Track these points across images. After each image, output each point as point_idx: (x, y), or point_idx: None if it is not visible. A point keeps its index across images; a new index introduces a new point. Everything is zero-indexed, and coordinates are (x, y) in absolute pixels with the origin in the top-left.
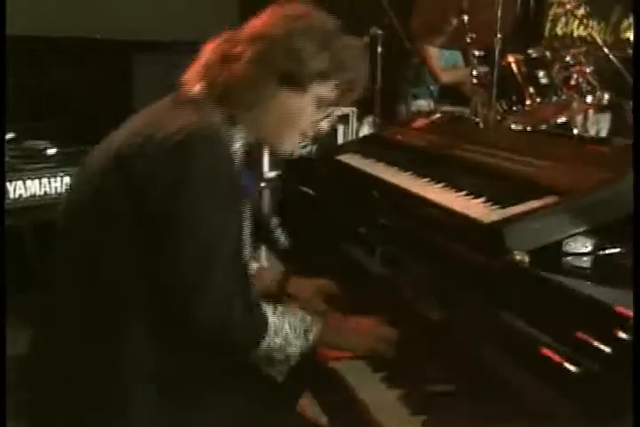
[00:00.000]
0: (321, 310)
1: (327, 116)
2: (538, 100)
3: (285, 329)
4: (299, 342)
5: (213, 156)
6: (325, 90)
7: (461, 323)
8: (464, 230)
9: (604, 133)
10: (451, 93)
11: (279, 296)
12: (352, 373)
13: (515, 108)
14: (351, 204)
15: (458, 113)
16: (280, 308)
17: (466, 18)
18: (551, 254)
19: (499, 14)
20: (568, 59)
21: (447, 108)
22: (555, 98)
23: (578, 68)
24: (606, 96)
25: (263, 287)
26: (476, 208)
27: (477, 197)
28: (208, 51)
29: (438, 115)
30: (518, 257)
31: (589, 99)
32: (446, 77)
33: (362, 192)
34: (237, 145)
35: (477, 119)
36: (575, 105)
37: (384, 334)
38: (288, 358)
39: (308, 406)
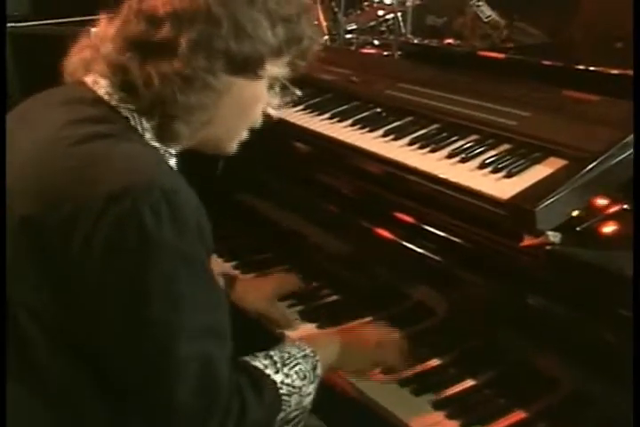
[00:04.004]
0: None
1: (284, 97)
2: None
3: (296, 383)
4: (312, 388)
5: (182, 224)
6: (279, 68)
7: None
8: (467, 208)
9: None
10: None
11: None
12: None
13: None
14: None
15: None
16: (277, 355)
17: None
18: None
19: None
20: None
21: None
22: None
23: None
24: None
25: None
26: (474, 177)
27: (465, 160)
28: (102, 35)
29: None
30: (552, 238)
31: None
32: None
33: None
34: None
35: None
36: (408, 3)
37: (394, 347)
38: (304, 409)
39: None
